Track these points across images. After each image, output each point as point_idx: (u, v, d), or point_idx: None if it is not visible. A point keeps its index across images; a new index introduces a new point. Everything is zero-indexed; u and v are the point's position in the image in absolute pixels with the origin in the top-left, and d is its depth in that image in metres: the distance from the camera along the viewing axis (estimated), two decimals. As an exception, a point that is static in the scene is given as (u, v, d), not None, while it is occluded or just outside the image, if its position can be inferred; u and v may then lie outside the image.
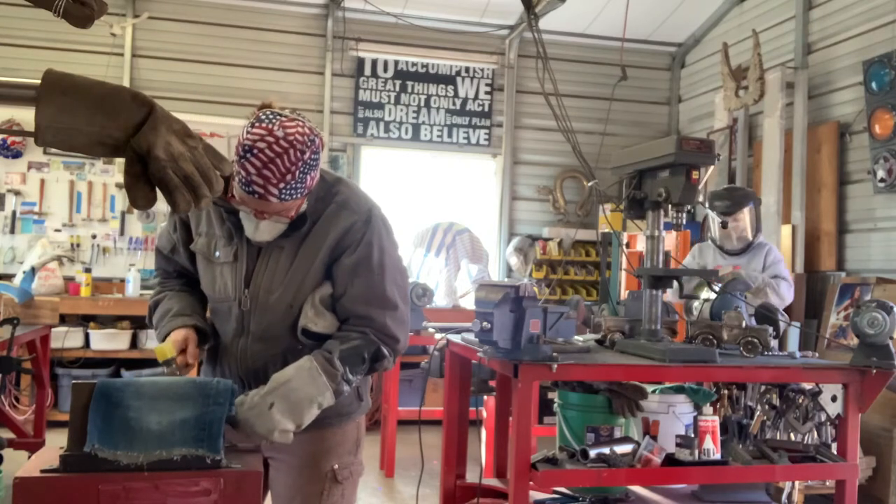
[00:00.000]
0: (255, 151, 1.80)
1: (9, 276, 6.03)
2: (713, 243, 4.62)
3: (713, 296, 3.04)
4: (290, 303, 2.00)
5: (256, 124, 1.83)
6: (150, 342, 6.30)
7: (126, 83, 6.91)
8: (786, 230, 6.01)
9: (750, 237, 4.47)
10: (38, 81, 1.09)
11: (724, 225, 4.39)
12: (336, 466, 2.09)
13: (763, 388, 3.02)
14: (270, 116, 1.84)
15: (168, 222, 2.20)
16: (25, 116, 6.59)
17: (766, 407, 2.98)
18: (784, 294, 4.33)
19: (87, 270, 6.74)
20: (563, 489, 2.97)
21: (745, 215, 4.41)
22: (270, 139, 1.80)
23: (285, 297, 2.00)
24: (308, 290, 2.00)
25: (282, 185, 1.82)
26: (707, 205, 4.59)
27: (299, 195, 1.88)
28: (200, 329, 2.08)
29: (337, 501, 2.09)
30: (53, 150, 6.66)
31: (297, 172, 1.82)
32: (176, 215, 2.14)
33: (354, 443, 2.17)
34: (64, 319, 6.07)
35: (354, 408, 2.16)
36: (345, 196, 2.03)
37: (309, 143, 1.84)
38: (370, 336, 1.99)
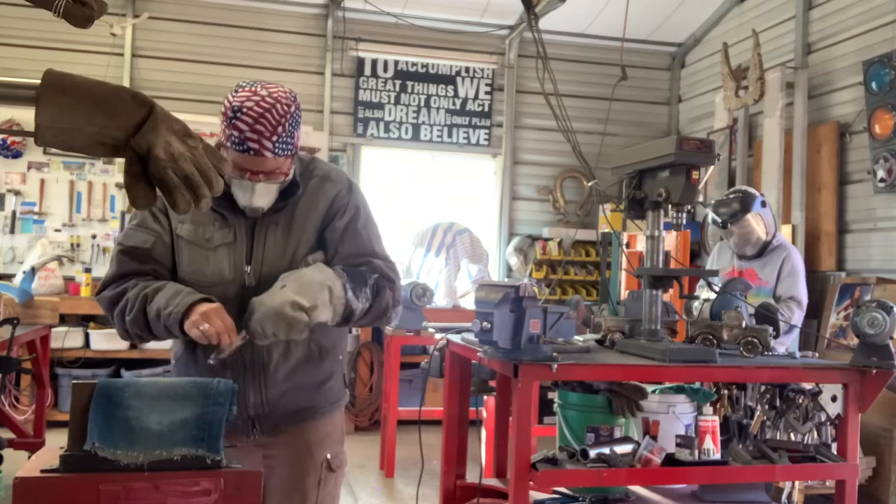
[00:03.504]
0: (245, 110, 1.88)
1: (9, 276, 6.04)
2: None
3: (713, 296, 3.04)
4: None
5: (239, 90, 1.93)
6: (150, 342, 6.30)
7: (126, 83, 6.91)
8: (786, 230, 6.01)
9: (764, 238, 4.28)
10: (38, 81, 1.09)
11: (723, 225, 4.33)
12: (329, 456, 2.15)
13: (763, 388, 3.02)
14: (250, 82, 1.96)
15: (139, 219, 2.05)
16: (25, 116, 6.59)
17: (766, 407, 2.98)
18: (792, 321, 4.02)
19: (87, 270, 6.74)
20: (563, 489, 2.97)
21: (750, 220, 4.23)
22: (256, 97, 1.90)
23: (284, 267, 2.03)
24: (301, 257, 2.06)
25: (275, 138, 1.90)
26: (711, 214, 4.44)
27: (290, 152, 1.96)
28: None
29: (332, 490, 2.15)
30: (53, 150, 6.65)
31: (287, 125, 1.92)
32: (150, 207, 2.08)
33: (341, 432, 2.25)
34: (64, 319, 6.08)
35: (341, 395, 2.23)
36: (324, 170, 2.16)
37: (292, 100, 1.95)
38: (371, 267, 2.07)
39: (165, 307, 1.89)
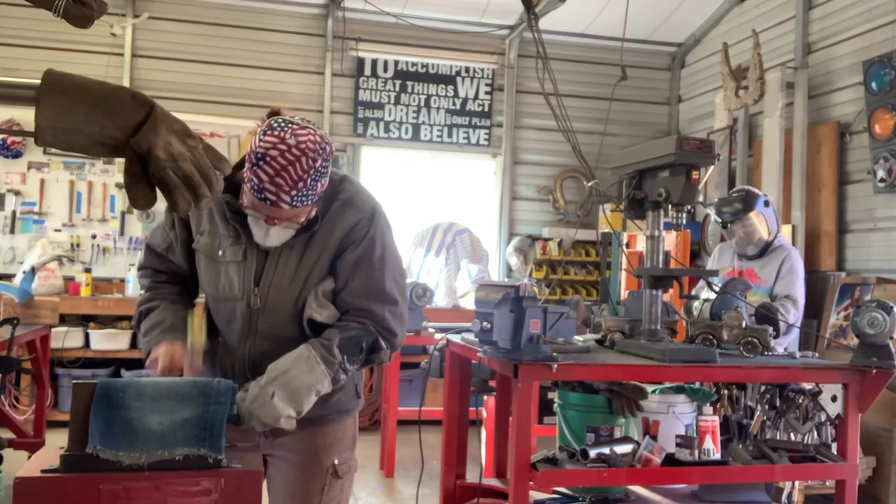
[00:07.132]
0: (268, 159, 1.82)
1: (9, 276, 6.03)
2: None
3: (713, 296, 3.04)
4: (297, 299, 2.02)
5: (268, 132, 1.85)
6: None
7: (126, 83, 6.91)
8: (786, 230, 6.00)
9: (766, 238, 4.26)
10: (38, 81, 1.09)
11: (723, 225, 4.33)
12: (336, 462, 2.12)
13: (763, 388, 3.02)
14: (282, 124, 1.86)
15: (165, 219, 2.18)
16: (25, 116, 6.59)
17: (766, 407, 2.98)
18: (787, 319, 3.96)
19: (87, 270, 6.74)
20: (563, 489, 2.97)
21: (753, 219, 4.21)
22: (283, 147, 1.82)
23: (293, 293, 2.02)
24: (313, 285, 2.02)
25: (294, 193, 1.84)
26: (714, 213, 4.44)
27: (310, 202, 1.90)
28: None
29: (336, 496, 2.13)
30: (53, 150, 6.66)
31: (309, 180, 1.85)
32: (175, 213, 2.13)
33: (352, 438, 2.21)
34: (64, 319, 6.07)
35: (353, 404, 2.20)
36: (350, 194, 2.06)
37: (320, 151, 1.87)
38: (369, 327, 2.02)
39: (143, 336, 2.08)
